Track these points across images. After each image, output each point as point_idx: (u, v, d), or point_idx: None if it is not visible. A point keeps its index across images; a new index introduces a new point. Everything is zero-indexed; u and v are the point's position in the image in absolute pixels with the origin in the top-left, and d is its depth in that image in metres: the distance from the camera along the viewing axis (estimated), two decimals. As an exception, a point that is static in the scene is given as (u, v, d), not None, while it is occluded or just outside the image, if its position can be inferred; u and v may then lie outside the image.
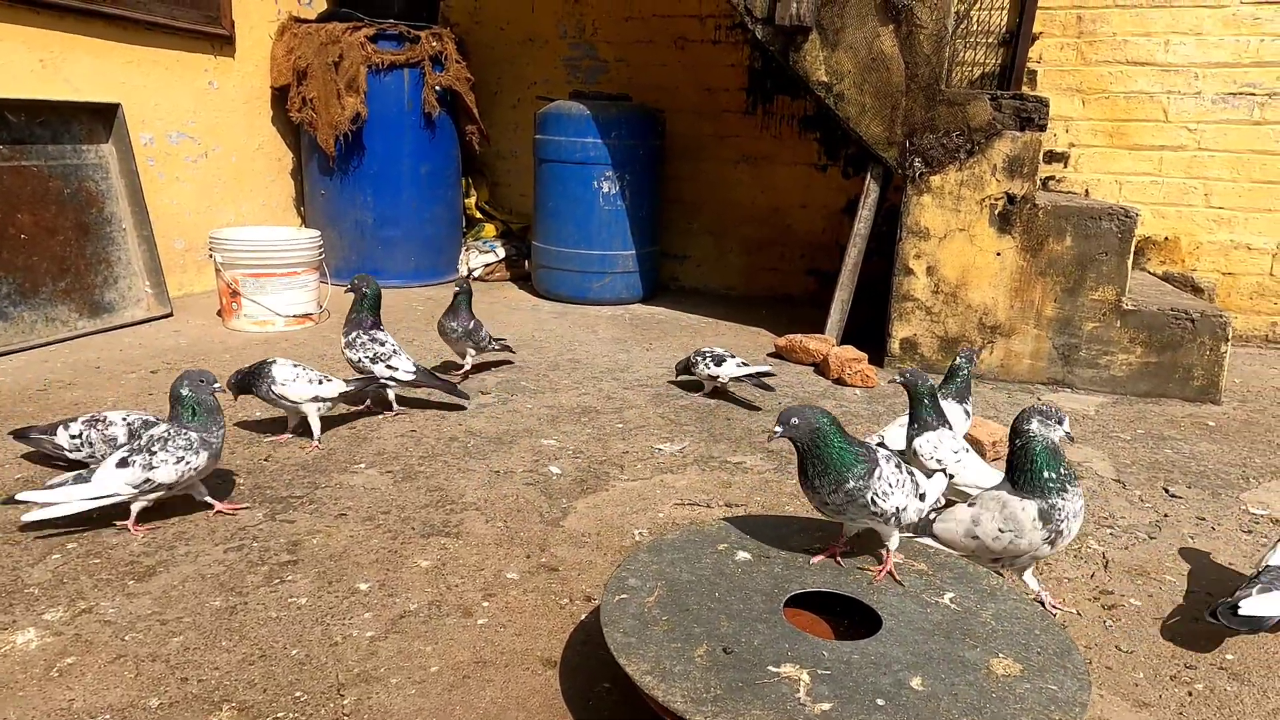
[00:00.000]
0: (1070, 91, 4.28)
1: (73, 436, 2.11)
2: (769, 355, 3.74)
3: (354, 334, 2.77)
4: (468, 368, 3.17)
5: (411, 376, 2.73)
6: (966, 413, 2.37)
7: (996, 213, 3.32)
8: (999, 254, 3.35)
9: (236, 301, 3.76)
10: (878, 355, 3.55)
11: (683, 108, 4.97)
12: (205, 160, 4.45)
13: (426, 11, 4.79)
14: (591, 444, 2.59)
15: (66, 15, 3.61)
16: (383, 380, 2.69)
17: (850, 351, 3.41)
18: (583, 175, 4.48)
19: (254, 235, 3.92)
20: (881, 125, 3.41)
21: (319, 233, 4.06)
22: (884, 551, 1.48)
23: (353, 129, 4.54)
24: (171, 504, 2.03)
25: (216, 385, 1.99)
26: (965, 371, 2.38)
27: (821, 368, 3.48)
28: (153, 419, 2.14)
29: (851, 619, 1.37)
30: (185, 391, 1.94)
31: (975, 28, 4.31)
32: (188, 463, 1.90)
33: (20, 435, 2.21)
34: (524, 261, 5.33)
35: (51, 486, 1.86)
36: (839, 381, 3.34)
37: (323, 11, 4.80)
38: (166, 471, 1.87)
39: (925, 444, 2.04)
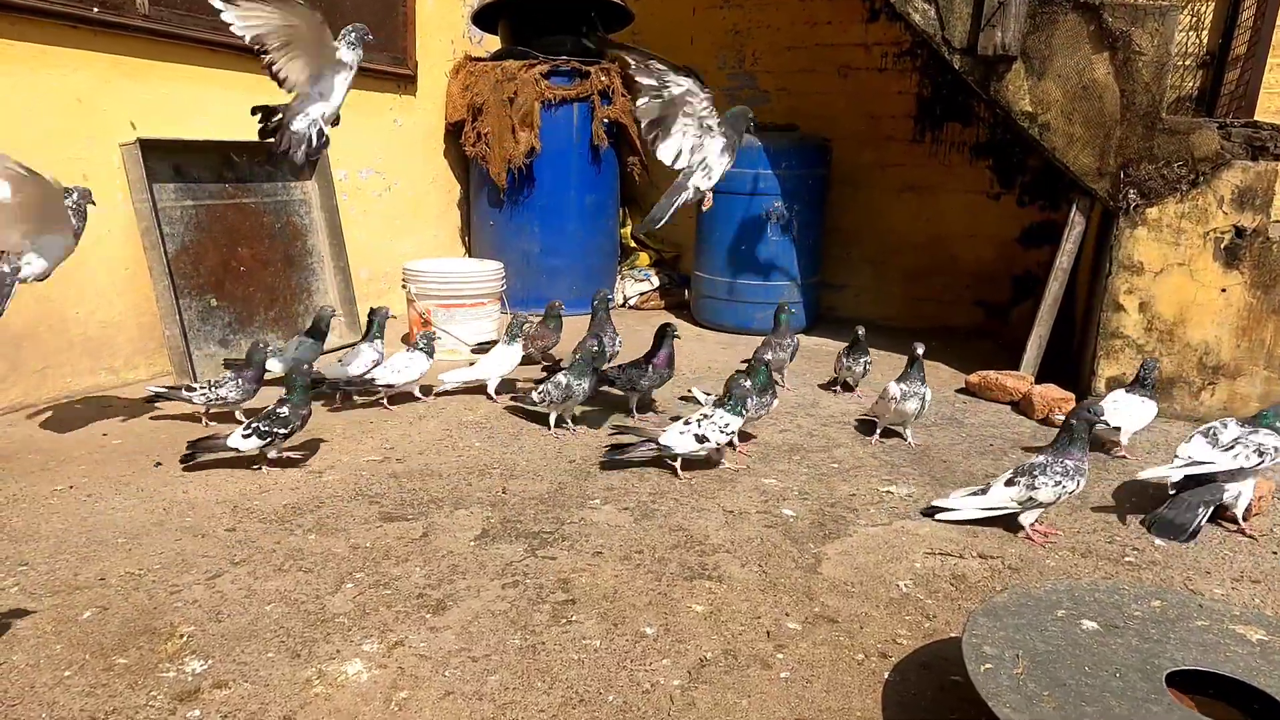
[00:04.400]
0: (1280, 115, 4.01)
1: None
2: (957, 391, 3.62)
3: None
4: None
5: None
6: None
7: (1222, 247, 3.13)
8: (1224, 290, 3.15)
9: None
10: (1072, 391, 3.37)
11: (845, 136, 4.91)
12: (389, 194, 4.66)
13: (596, 48, 4.90)
14: (813, 484, 2.55)
15: (285, 62, 3.85)
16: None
17: (1055, 390, 3.27)
18: (751, 206, 4.48)
19: (444, 267, 4.06)
20: (1092, 156, 3.27)
21: (501, 265, 4.18)
22: None
23: (526, 162, 4.68)
24: (438, 534, 2.10)
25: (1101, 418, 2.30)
26: None
27: (1022, 406, 3.34)
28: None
29: (1222, 698, 1.28)
30: (1075, 422, 2.22)
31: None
32: (1064, 487, 2.17)
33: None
34: (675, 290, 5.36)
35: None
36: (1045, 422, 3.20)
37: (496, 50, 4.97)
38: (1046, 493, 2.17)
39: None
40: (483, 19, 5.03)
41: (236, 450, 2.47)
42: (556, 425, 2.94)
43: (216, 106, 3.62)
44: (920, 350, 2.87)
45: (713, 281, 4.68)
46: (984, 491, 2.26)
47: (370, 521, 2.21)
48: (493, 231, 4.98)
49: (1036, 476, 2.18)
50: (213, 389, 2.81)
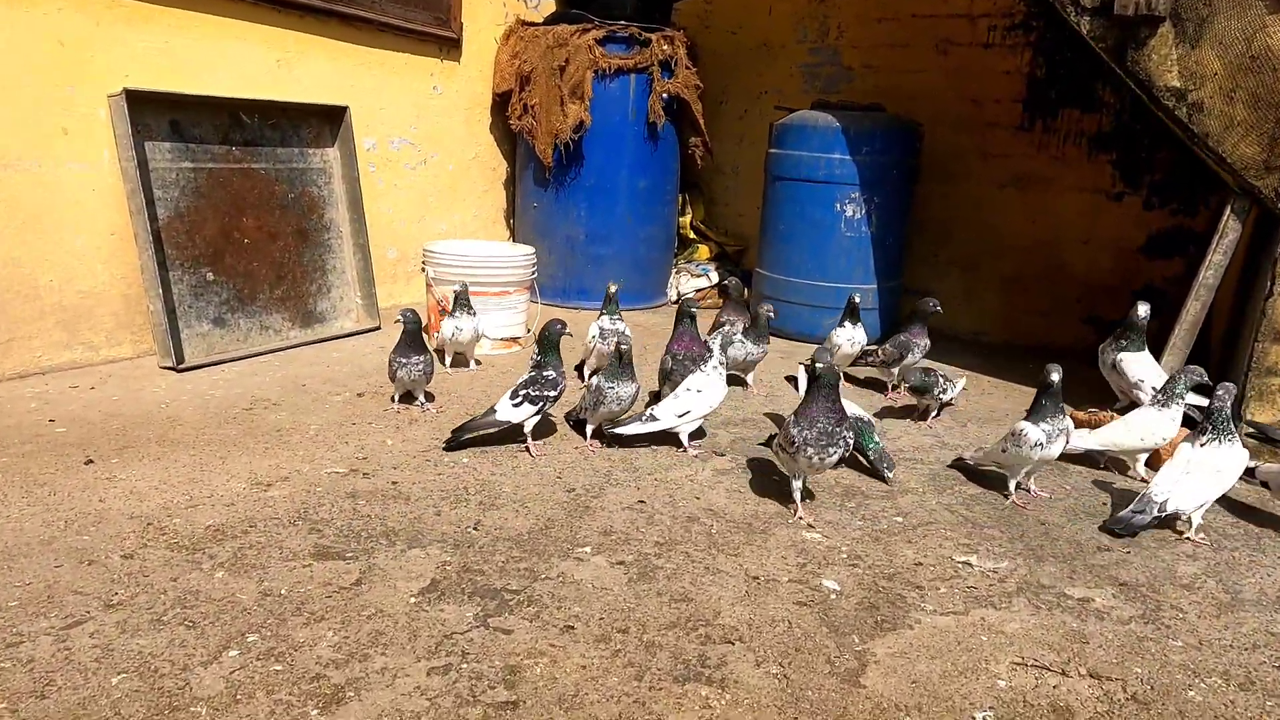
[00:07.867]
0: None
1: None
2: (1060, 428, 2.97)
3: None
4: None
5: None
6: None
7: None
8: None
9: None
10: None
11: (939, 120, 4.26)
12: (424, 167, 4.27)
13: (659, 12, 4.39)
14: (868, 544, 2.00)
15: (307, 15, 3.49)
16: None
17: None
18: (823, 196, 3.90)
19: (467, 250, 3.63)
20: (1257, 145, 2.59)
21: (533, 250, 3.73)
22: None
23: (574, 138, 4.21)
24: (375, 583, 1.65)
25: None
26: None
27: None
28: None
29: None
30: None
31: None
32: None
33: None
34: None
35: None
36: (1175, 477, 2.54)
37: (550, 14, 4.52)
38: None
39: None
40: (538, -21, 4.59)
41: (508, 422, 2.38)
42: (593, 437, 2.55)
43: (229, 60, 3.27)
44: (1056, 377, 2.21)
45: (775, 280, 4.12)
46: None
47: (299, 557, 1.77)
48: (536, 214, 4.54)
49: None
50: None
